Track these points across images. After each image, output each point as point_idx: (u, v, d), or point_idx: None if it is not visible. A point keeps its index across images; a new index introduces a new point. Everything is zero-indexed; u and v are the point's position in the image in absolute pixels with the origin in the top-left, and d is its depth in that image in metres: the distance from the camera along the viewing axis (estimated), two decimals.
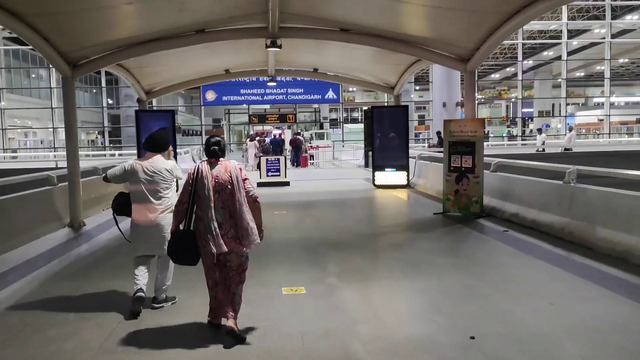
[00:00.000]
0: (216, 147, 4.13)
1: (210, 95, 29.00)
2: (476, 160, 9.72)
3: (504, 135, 42.42)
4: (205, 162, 4.16)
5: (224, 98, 29.20)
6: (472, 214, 9.76)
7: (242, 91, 28.88)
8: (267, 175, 16.30)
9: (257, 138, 25.01)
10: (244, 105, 32.06)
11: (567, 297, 5.12)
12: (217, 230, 3.99)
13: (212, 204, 3.99)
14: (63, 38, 8.47)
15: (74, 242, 8.35)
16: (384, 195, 13.49)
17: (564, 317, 4.57)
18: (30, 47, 31.60)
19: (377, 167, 14.81)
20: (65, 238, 8.62)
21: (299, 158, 23.46)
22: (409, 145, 15.15)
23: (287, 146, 25.55)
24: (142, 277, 4.84)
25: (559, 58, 37.84)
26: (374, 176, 14.90)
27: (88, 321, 4.67)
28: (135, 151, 14.33)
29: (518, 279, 5.80)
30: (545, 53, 45.22)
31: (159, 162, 4.72)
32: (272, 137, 24.01)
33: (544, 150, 23.17)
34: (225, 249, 3.99)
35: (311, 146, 26.16)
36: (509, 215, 9.26)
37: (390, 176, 14.79)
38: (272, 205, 11.46)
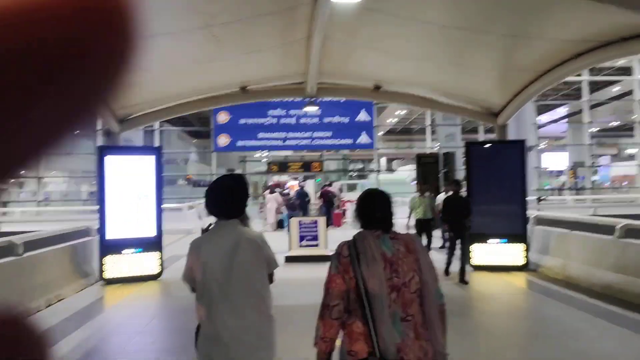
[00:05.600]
0: (380, 214, 2.31)
1: (223, 140, 23.53)
2: None
3: (546, 187, 36.43)
4: (369, 234, 2.26)
5: (239, 143, 23.66)
6: None
7: (260, 135, 23.40)
8: (300, 245, 10.56)
9: (278, 190, 19.58)
10: (261, 151, 26.80)
11: None
12: None
13: (387, 312, 2.10)
14: None
15: None
16: (508, 290, 7.65)
17: None
18: None
19: (475, 236, 8.96)
20: None
21: (331, 215, 17.69)
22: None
23: (314, 200, 20.00)
24: None
25: (621, 97, 32.21)
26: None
27: None
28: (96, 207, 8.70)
29: None
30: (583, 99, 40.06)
31: (235, 232, 2.66)
32: (300, 188, 18.46)
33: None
34: None
35: (343, 200, 20.42)
36: None
37: (497, 252, 8.99)
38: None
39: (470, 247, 8.77)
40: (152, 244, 8.65)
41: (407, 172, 34.10)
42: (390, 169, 49.91)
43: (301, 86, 9.41)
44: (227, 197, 2.73)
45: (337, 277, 2.25)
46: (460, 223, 8.14)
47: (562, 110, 42.92)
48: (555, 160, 46.08)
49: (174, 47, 6.94)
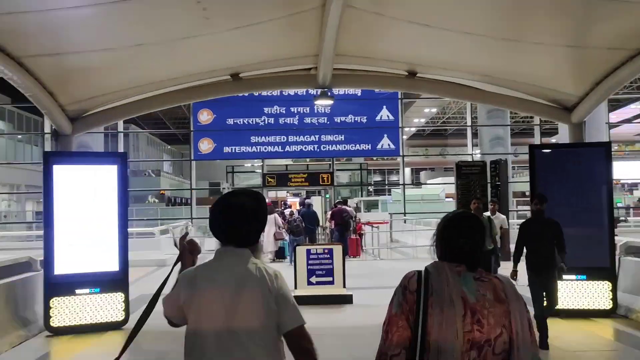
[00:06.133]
0: (466, 243, 2.31)
1: (206, 145, 23.12)
2: None
3: (618, 204, 36.02)
4: (449, 267, 2.26)
5: (226, 149, 23.30)
6: None
7: (252, 139, 23.08)
8: (309, 283, 10.21)
9: (277, 210, 19.36)
10: (252, 161, 26.63)
11: None
12: None
13: None
14: None
15: None
16: (594, 345, 7.37)
17: None
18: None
19: None
20: None
21: (347, 241, 17.27)
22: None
23: (324, 222, 19.74)
24: None
25: None
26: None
27: None
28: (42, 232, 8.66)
29: None
30: None
31: (243, 266, 2.63)
32: (306, 207, 18.05)
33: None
34: None
35: (360, 222, 20.08)
36: None
37: (574, 291, 8.55)
38: None
39: None
40: (115, 281, 8.51)
41: (439, 186, 33.98)
42: (416, 182, 49.79)
43: (311, 73, 9.11)
44: (241, 219, 2.68)
45: (400, 319, 2.23)
46: (549, 260, 6.84)
47: (635, 107, 42.56)
48: (629, 171, 45.73)
49: (143, 20, 6.65)
